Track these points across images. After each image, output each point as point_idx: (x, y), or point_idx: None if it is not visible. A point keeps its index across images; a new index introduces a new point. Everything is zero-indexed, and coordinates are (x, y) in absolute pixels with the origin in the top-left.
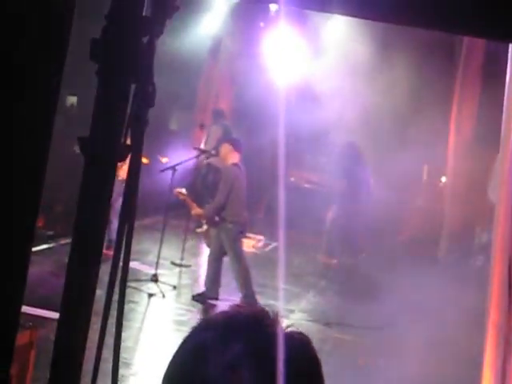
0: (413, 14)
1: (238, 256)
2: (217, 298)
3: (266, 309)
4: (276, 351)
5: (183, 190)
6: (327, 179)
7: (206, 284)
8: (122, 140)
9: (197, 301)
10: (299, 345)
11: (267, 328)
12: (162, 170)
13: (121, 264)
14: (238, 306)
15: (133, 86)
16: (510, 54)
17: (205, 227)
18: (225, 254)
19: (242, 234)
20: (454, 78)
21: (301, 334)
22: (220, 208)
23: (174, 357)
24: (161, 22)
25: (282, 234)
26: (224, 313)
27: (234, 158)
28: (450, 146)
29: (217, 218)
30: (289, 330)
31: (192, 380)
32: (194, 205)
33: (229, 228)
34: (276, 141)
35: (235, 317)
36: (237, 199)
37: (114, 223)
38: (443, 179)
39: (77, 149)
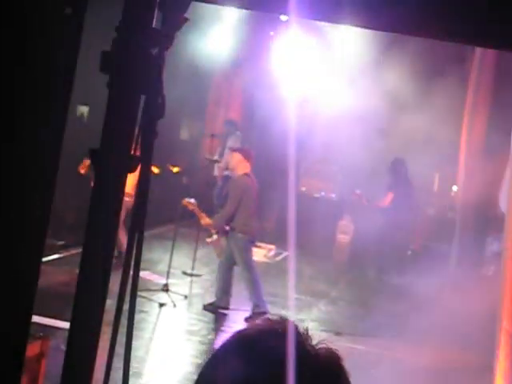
0: (424, 25)
1: (249, 265)
2: (228, 308)
3: (297, 324)
4: (303, 369)
5: (192, 200)
6: (338, 189)
7: (216, 294)
8: (132, 151)
9: (208, 310)
10: (327, 363)
11: (297, 344)
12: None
13: (131, 273)
14: (268, 320)
15: (143, 98)
16: None
17: (215, 237)
18: (235, 263)
19: (252, 243)
20: (465, 88)
21: (330, 351)
22: (229, 218)
23: (202, 372)
24: (170, 34)
25: (292, 243)
26: (254, 327)
27: (244, 167)
28: (461, 155)
29: (227, 228)
30: (319, 346)
31: None
32: (203, 214)
33: (239, 238)
34: (286, 150)
35: (266, 332)
36: (246, 209)
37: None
38: (454, 188)
39: (82, 169)
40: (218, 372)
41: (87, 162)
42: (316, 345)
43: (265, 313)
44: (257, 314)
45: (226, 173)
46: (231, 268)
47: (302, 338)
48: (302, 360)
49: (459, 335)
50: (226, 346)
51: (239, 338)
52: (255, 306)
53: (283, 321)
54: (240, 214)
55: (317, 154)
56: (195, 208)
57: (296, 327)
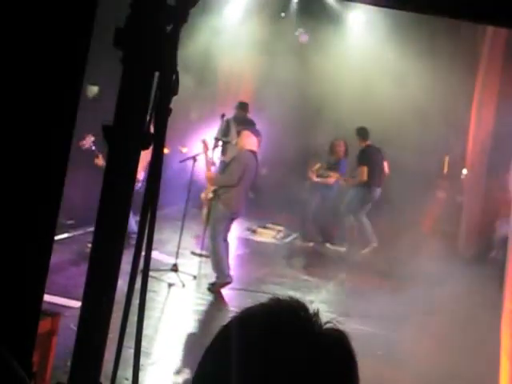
0: (435, 3)
1: (214, 238)
2: (229, 282)
3: (305, 304)
4: (309, 348)
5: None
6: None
7: (214, 272)
8: (146, 128)
9: (211, 291)
10: (333, 343)
11: (302, 324)
12: (182, 161)
13: (143, 254)
14: (277, 299)
15: (156, 74)
16: None
17: (210, 195)
18: (226, 237)
19: (230, 219)
20: (475, 69)
21: (337, 331)
22: (229, 185)
23: (208, 350)
24: (184, 11)
25: (302, 225)
26: (261, 306)
27: (252, 143)
28: (470, 138)
29: (211, 195)
30: (326, 326)
31: (225, 372)
32: (210, 167)
33: (219, 208)
34: (296, 134)
35: (274, 311)
36: (240, 184)
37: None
38: (464, 171)
39: (86, 143)
40: (223, 350)
41: (91, 137)
42: (324, 325)
43: (228, 283)
44: (219, 284)
45: (222, 158)
46: (221, 241)
47: (311, 319)
48: (310, 340)
49: (467, 319)
50: (232, 323)
51: (245, 316)
52: (217, 278)
53: (291, 301)
54: (233, 187)
55: (327, 136)
56: (207, 153)
57: (304, 308)
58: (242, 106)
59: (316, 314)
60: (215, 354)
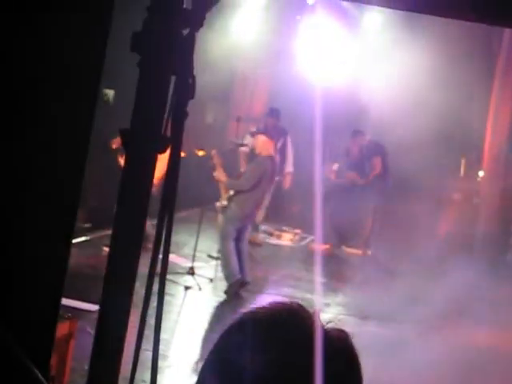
0: (450, 5)
1: (224, 238)
2: (245, 283)
3: (303, 305)
4: (311, 349)
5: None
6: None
7: (222, 272)
8: (163, 131)
9: (228, 294)
10: (336, 343)
11: (304, 325)
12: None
13: (160, 257)
14: (277, 302)
15: (173, 78)
16: None
17: (224, 203)
18: (239, 238)
19: (240, 221)
20: (492, 72)
21: (340, 330)
22: (240, 190)
23: (214, 351)
24: (201, 15)
25: (319, 227)
26: (264, 309)
27: (268, 148)
28: (487, 140)
29: (225, 202)
30: (327, 326)
31: (230, 374)
32: (222, 170)
33: (232, 209)
34: (312, 136)
35: (275, 314)
36: (256, 190)
37: None
38: (481, 173)
39: (115, 143)
40: (225, 353)
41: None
42: (324, 324)
43: (241, 282)
44: (234, 285)
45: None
46: (231, 242)
47: (312, 320)
48: (312, 341)
49: (485, 322)
50: (234, 326)
51: (246, 318)
52: (225, 278)
53: (291, 302)
54: (248, 191)
55: (344, 138)
56: (219, 162)
57: (305, 309)
58: (274, 113)
59: (317, 315)
60: (218, 357)
